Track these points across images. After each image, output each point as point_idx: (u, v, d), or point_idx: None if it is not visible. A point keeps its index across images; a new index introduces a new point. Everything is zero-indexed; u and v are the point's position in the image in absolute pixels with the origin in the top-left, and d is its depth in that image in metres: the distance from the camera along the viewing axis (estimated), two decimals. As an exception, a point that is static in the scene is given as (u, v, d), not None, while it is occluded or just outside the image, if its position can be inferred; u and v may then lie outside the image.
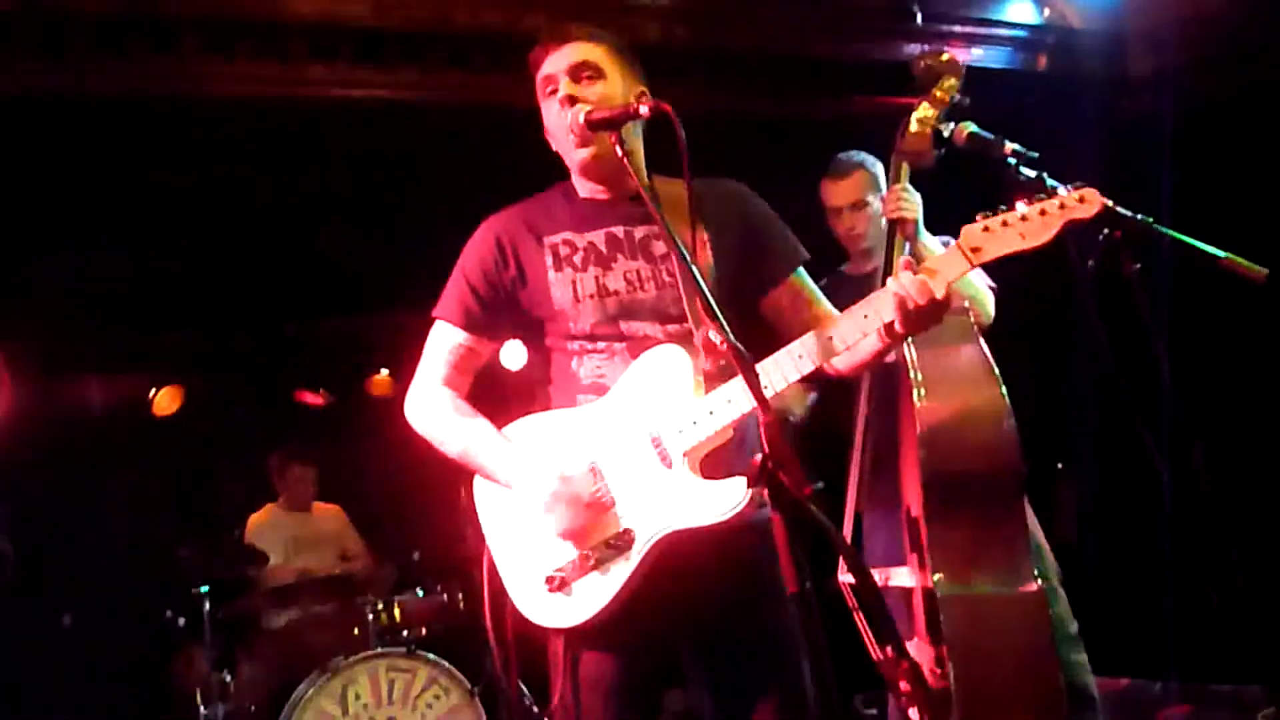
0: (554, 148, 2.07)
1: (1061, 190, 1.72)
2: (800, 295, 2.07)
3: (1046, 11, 4.76)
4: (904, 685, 2.46)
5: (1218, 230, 2.29)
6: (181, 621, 4.36)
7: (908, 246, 2.78)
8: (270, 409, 6.14)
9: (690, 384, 1.89)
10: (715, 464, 1.87)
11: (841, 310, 1.91)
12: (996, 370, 2.60)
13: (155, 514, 5.31)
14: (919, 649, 2.55)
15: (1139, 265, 2.12)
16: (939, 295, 1.74)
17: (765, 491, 1.46)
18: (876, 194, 3.15)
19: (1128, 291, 2.15)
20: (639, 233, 2.02)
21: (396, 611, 4.37)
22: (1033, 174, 2.27)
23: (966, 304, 2.74)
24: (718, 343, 1.60)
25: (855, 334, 1.81)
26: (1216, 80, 4.52)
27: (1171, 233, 2.12)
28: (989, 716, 2.33)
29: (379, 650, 4.14)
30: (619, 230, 2.03)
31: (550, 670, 1.99)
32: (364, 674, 4.07)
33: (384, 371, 6.22)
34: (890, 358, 2.42)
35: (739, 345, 1.59)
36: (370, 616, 4.29)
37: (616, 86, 1.98)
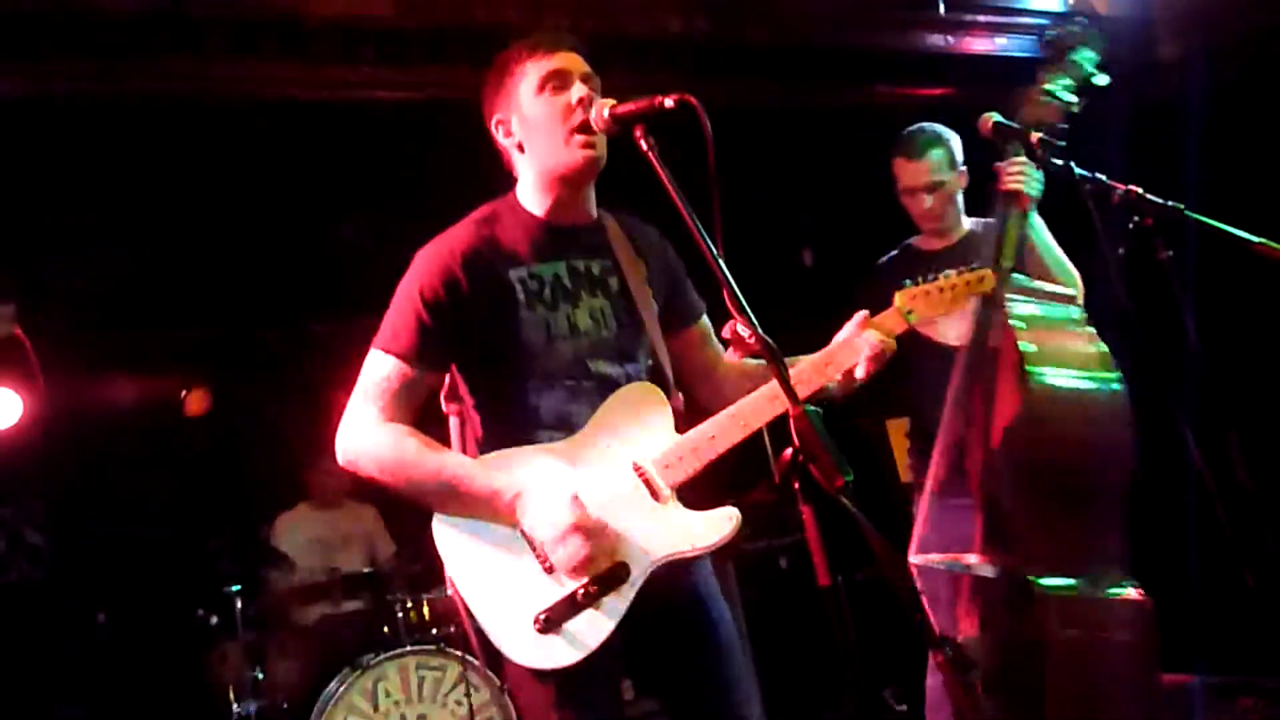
0: (517, 146, 2.00)
1: (956, 272, 2.01)
2: (708, 337, 2.18)
3: (1071, -1, 4.72)
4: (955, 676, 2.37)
5: (1247, 214, 2.26)
6: (214, 619, 4.39)
7: (1028, 220, 2.62)
8: (299, 407, 6.19)
9: (669, 420, 1.93)
10: (690, 488, 1.92)
11: (899, 281, 2.05)
12: (1114, 363, 2.41)
13: (187, 512, 5.35)
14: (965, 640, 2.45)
15: (1170, 252, 2.10)
16: (883, 349, 1.97)
17: (797, 486, 1.46)
18: (954, 171, 3.06)
19: (1160, 278, 2.13)
20: (595, 267, 1.99)
21: (426, 609, 4.39)
22: (1060, 162, 2.25)
23: (1075, 294, 2.67)
24: (745, 336, 1.60)
25: (817, 380, 1.97)
26: (1243, 64, 4.46)
27: (1202, 219, 2.09)
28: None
29: (409, 647, 4.17)
30: (579, 264, 1.98)
31: (529, 709, 1.93)
32: (394, 670, 4.09)
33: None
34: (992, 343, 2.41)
35: (767, 338, 1.58)
36: (400, 613, 4.31)
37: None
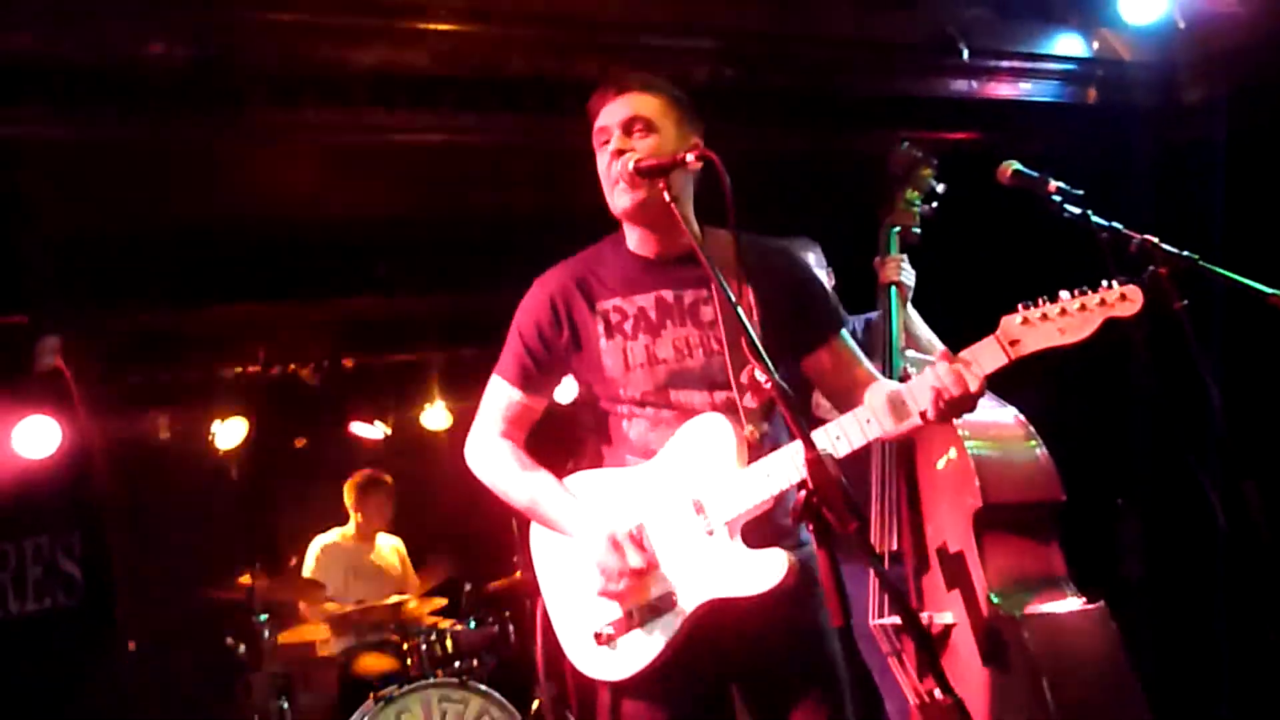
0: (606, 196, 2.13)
1: (1105, 284, 1.71)
2: (841, 357, 2.11)
3: (1095, 44, 4.75)
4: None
5: (1271, 258, 2.28)
6: (242, 649, 4.45)
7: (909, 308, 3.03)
8: (328, 441, 6.29)
9: (733, 454, 1.95)
10: (755, 531, 1.94)
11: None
12: (1031, 430, 2.77)
13: (218, 543, 5.44)
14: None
15: (1186, 302, 2.12)
16: (973, 388, 1.77)
17: (809, 527, 1.49)
18: (821, 267, 3.36)
19: (1177, 328, 2.15)
20: (688, 297, 2.07)
21: (449, 642, 4.43)
22: (1077, 211, 2.28)
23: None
24: (762, 381, 1.64)
25: (889, 419, 1.85)
26: (1268, 108, 4.47)
27: (1217, 269, 2.12)
28: None
29: (432, 680, 4.20)
30: (669, 294, 2.08)
31: (598, 716, 2.06)
32: (417, 704, 4.13)
33: (438, 404, 6.34)
34: None
35: (783, 384, 1.63)
36: (423, 647, 4.36)
37: (669, 141, 2.03)
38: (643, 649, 1.95)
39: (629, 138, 2.03)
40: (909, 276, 3.03)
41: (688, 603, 1.93)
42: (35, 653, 5.20)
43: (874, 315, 3.43)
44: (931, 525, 2.67)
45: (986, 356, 1.78)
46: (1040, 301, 1.74)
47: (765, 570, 1.88)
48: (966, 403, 1.79)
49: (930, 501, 2.70)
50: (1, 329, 4.68)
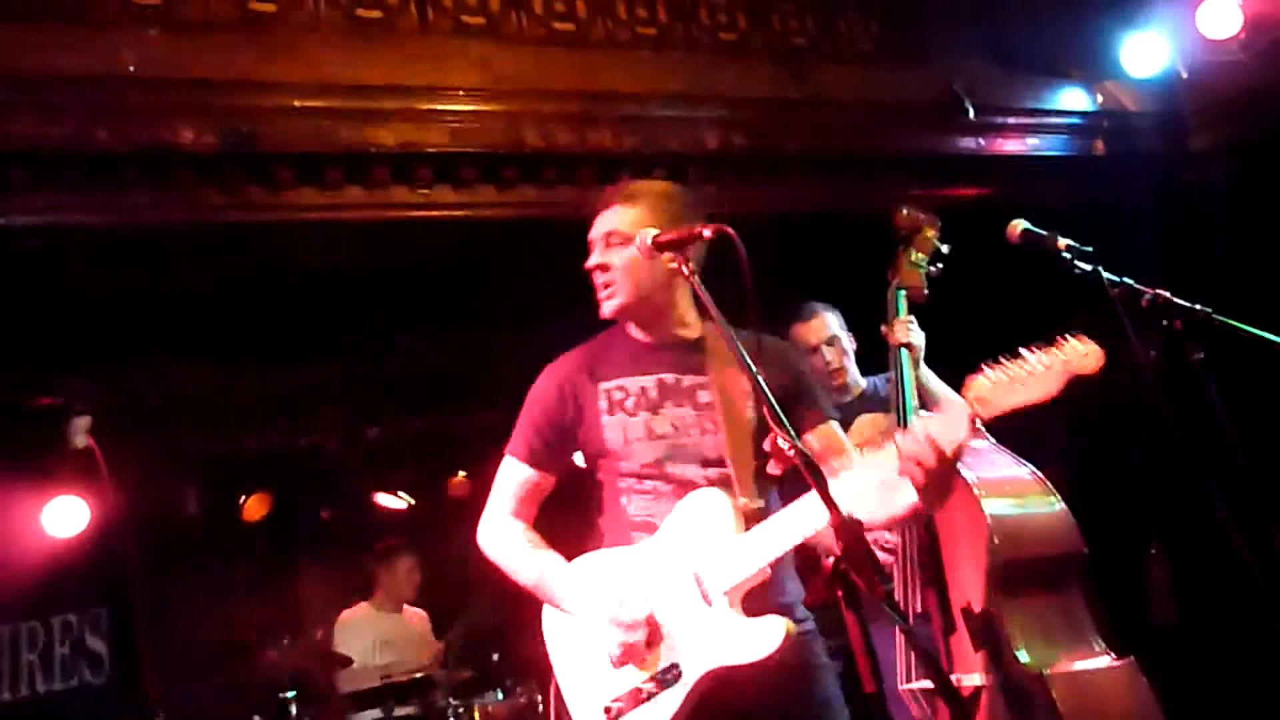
0: None
1: (1065, 340, 1.72)
2: (832, 442, 2.21)
3: (1100, 97, 4.83)
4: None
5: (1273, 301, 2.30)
6: (271, 727, 4.43)
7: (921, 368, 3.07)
8: (352, 512, 6.31)
9: (730, 525, 2.02)
10: (754, 601, 2.00)
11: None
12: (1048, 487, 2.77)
13: (243, 616, 5.45)
14: None
15: (1202, 354, 2.14)
16: (948, 453, 1.79)
17: (839, 592, 1.51)
18: (845, 330, 3.50)
19: (1194, 379, 2.17)
20: (687, 381, 2.21)
21: (477, 714, 4.40)
22: (1088, 267, 2.32)
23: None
24: (785, 448, 1.67)
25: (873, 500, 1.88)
26: (1275, 155, 4.51)
27: (1231, 322, 2.14)
28: None
29: (461, 751, 4.17)
30: (669, 377, 2.22)
31: None
32: (447, 775, 4.08)
33: (462, 474, 6.36)
34: None
35: (806, 451, 1.65)
36: (450, 718, 4.32)
37: (633, 250, 2.14)
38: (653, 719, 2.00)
39: (606, 250, 2.22)
40: (918, 337, 3.06)
41: (691, 674, 1.98)
42: (63, 732, 5.19)
43: (879, 378, 3.48)
44: (954, 584, 2.67)
45: (955, 420, 1.80)
46: (1005, 361, 1.75)
47: (763, 636, 1.93)
48: (944, 471, 1.81)
49: (951, 561, 2.70)
50: (33, 410, 4.77)
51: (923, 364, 3.11)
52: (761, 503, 2.08)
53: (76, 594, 5.44)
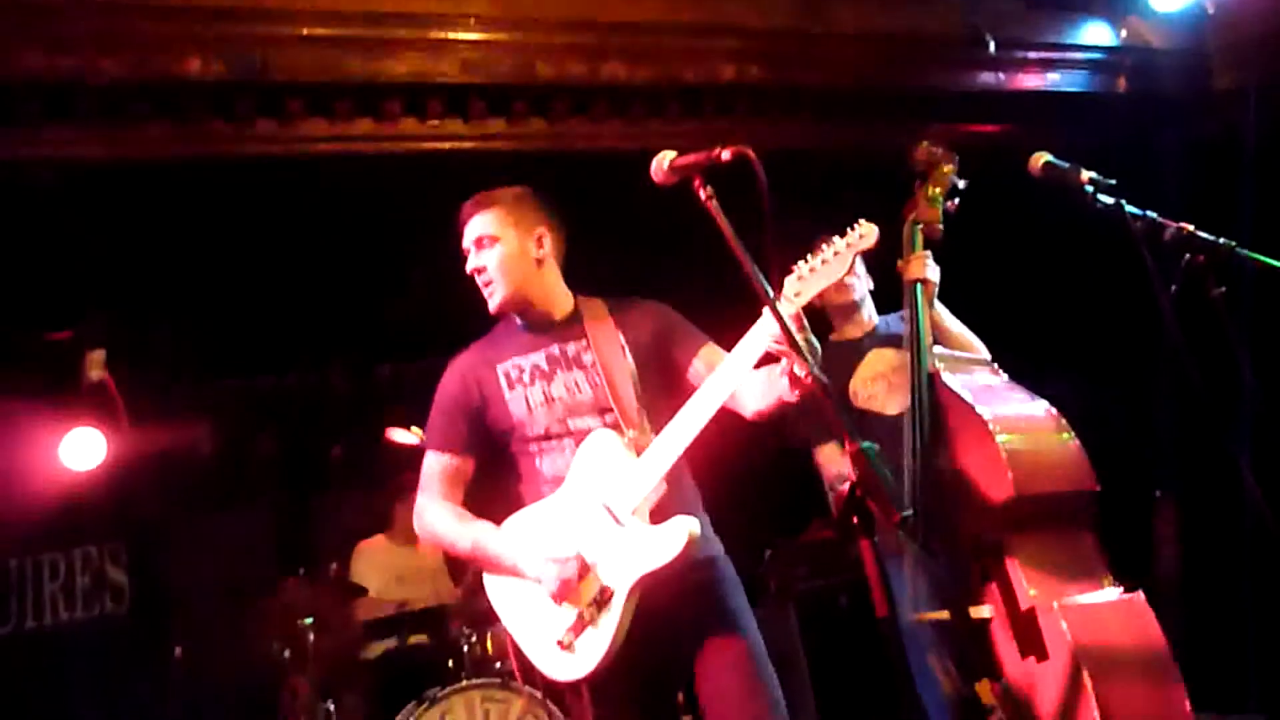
0: None
1: (848, 230, 2.08)
2: (716, 357, 2.41)
3: (1124, 32, 4.73)
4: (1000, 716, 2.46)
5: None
6: (287, 653, 4.52)
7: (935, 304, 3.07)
8: (365, 448, 6.36)
9: (623, 455, 2.31)
10: (662, 512, 2.25)
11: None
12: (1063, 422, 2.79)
13: (260, 550, 5.53)
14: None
15: (1223, 289, 2.11)
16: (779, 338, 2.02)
17: (857, 520, 1.52)
18: (860, 264, 3.43)
19: (1213, 316, 2.15)
20: (571, 348, 2.49)
21: (490, 643, 4.47)
22: (1110, 201, 2.28)
23: (988, 357, 3.01)
24: (801, 375, 1.68)
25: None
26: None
27: (1255, 255, 2.11)
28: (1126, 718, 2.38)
29: (474, 681, 4.24)
30: (555, 349, 2.49)
31: (582, 714, 2.34)
32: (460, 704, 4.16)
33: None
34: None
35: (822, 377, 1.66)
36: (465, 648, 4.39)
37: (512, 243, 2.48)
38: (598, 642, 2.24)
39: (479, 252, 2.49)
40: (934, 273, 3.04)
41: (621, 588, 2.22)
42: (84, 660, 5.31)
43: (905, 311, 3.45)
44: (965, 517, 2.68)
45: (783, 310, 2.00)
46: (806, 259, 2.13)
47: (671, 536, 2.18)
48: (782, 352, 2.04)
49: (963, 493, 2.70)
50: (48, 345, 4.80)
51: (937, 300, 3.09)
52: (647, 432, 2.34)
53: (96, 527, 5.53)
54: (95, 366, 4.81)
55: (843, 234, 2.13)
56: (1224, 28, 4.60)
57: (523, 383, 2.46)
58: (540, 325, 2.53)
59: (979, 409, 2.67)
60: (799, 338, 1.79)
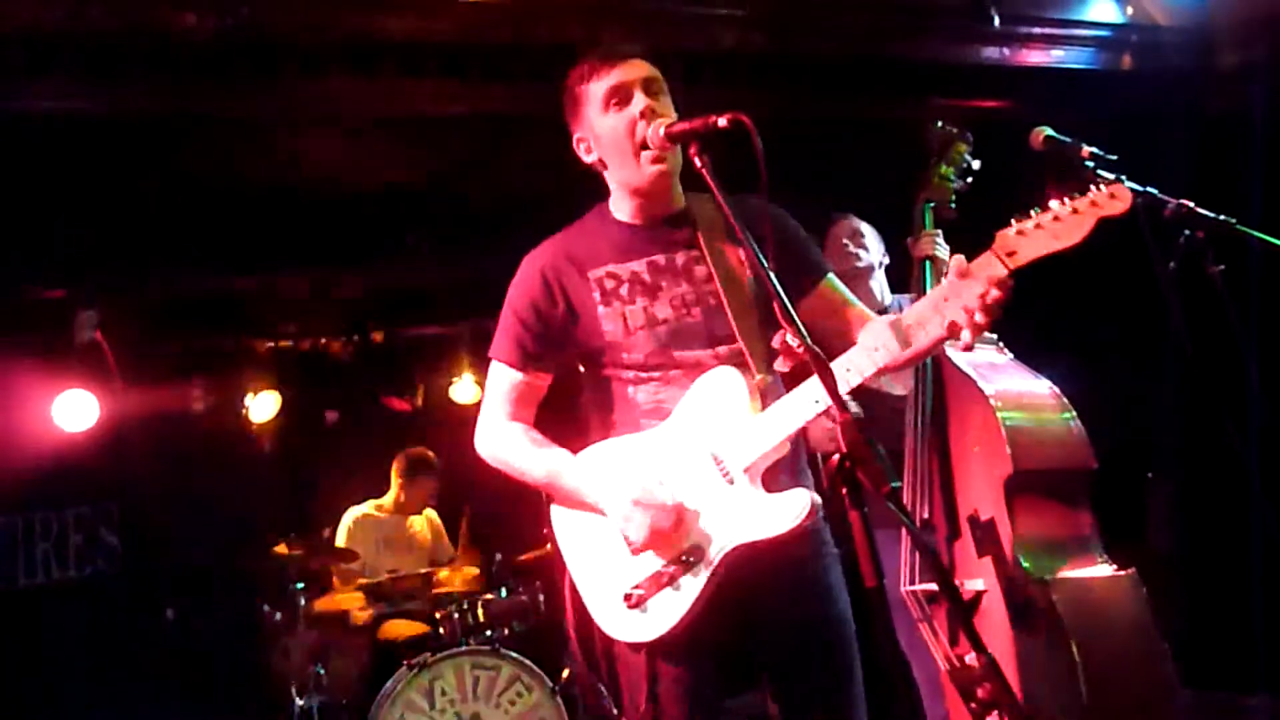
0: (598, 162, 2.10)
1: (1094, 188, 1.71)
2: (834, 299, 2.13)
3: (1129, 10, 4.67)
4: (982, 691, 2.48)
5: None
6: (278, 616, 4.53)
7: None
8: (359, 413, 6.36)
9: (746, 403, 1.97)
10: (775, 477, 1.97)
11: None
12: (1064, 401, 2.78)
13: (252, 513, 5.54)
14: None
15: (1222, 266, 2.10)
16: (994, 283, 1.77)
17: (843, 490, 1.50)
18: (878, 241, 3.48)
19: (1212, 293, 2.13)
20: (680, 258, 2.09)
21: (480, 611, 4.49)
22: (1111, 176, 2.25)
23: (995, 336, 2.96)
24: (794, 345, 1.65)
25: (935, 325, 1.83)
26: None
27: (1255, 233, 2.09)
28: (1112, 695, 2.40)
29: (464, 648, 4.27)
30: (660, 258, 2.09)
31: (625, 678, 2.07)
32: (450, 670, 4.19)
33: (467, 378, 6.38)
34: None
35: (815, 348, 1.63)
36: (456, 615, 4.41)
37: (671, 106, 2.05)
38: (673, 605, 1.97)
39: (650, 98, 2.01)
40: (944, 251, 3.03)
41: (716, 552, 1.94)
42: (76, 618, 5.34)
43: (913, 295, 3.45)
44: (963, 493, 2.70)
45: (987, 269, 1.78)
46: (1031, 213, 1.75)
47: (788, 509, 1.91)
48: (998, 300, 1.77)
49: (962, 470, 2.73)
50: (40, 304, 4.77)
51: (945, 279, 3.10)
52: (770, 377, 2.01)
53: (89, 487, 5.54)
54: (87, 327, 4.79)
55: (1083, 191, 1.73)
56: (1230, 5, 4.54)
57: (619, 297, 2.07)
58: (646, 221, 2.12)
59: (982, 385, 2.69)
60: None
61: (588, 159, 2.13)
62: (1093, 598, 2.50)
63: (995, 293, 1.76)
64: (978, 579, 2.61)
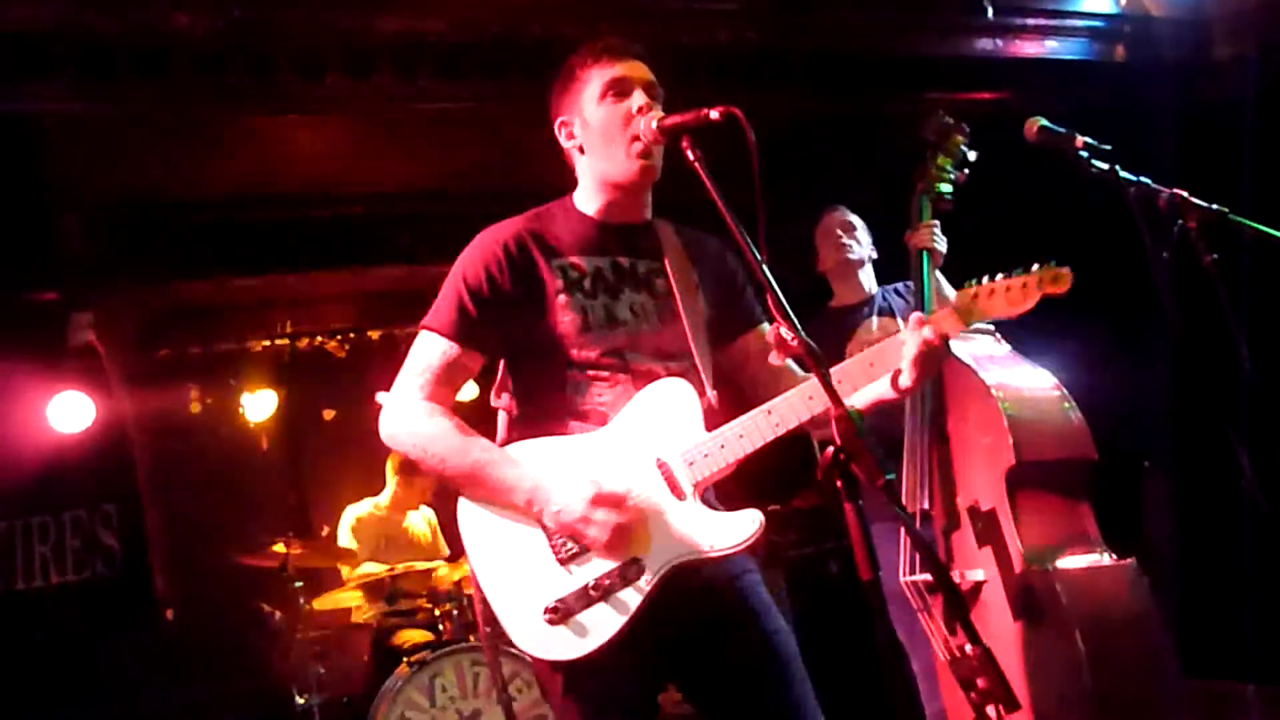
0: (577, 149, 2.05)
1: (1038, 266, 1.86)
2: (765, 345, 2.00)
3: (1122, 1, 4.67)
4: (981, 682, 2.48)
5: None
6: (278, 615, 4.54)
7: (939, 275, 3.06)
8: (356, 412, 6.36)
9: (698, 417, 1.92)
10: (714, 492, 1.94)
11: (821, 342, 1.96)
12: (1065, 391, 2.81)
13: (250, 512, 5.54)
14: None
15: (1215, 256, 2.10)
16: (932, 341, 1.85)
17: (840, 484, 1.50)
18: (866, 235, 3.52)
19: (1206, 282, 2.14)
20: (642, 266, 2.04)
21: (479, 607, 4.49)
22: (1105, 166, 2.26)
23: (992, 329, 3.00)
24: (788, 339, 1.64)
25: (862, 378, 1.88)
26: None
27: (1247, 222, 2.10)
28: (1114, 684, 2.41)
29: (464, 645, 4.27)
30: (624, 260, 2.03)
31: (548, 697, 1.94)
32: (450, 668, 4.19)
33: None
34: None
35: (810, 342, 1.63)
36: (455, 613, 4.42)
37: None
38: (607, 620, 1.83)
39: (651, 100, 1.99)
40: (941, 243, 3.05)
41: (658, 567, 1.84)
42: (75, 622, 5.33)
43: (902, 284, 3.47)
44: (963, 484, 2.70)
45: (946, 324, 1.88)
46: (987, 279, 1.89)
47: (738, 528, 1.85)
48: (936, 360, 1.87)
49: (962, 461, 2.74)
50: (35, 306, 4.76)
51: (939, 272, 3.11)
52: (714, 396, 1.98)
53: (86, 490, 5.51)
54: (81, 329, 4.79)
55: (1031, 266, 1.84)
56: (1221, -3, 4.55)
57: (582, 289, 1.97)
58: (612, 223, 2.04)
59: (983, 376, 2.71)
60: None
61: (567, 144, 2.08)
62: (1096, 586, 2.53)
63: (918, 361, 1.85)
64: (978, 569, 2.62)
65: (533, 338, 1.98)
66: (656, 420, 1.92)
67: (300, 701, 4.31)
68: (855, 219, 3.55)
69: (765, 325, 2.09)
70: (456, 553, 5.21)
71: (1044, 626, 2.46)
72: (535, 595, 1.85)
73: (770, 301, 1.67)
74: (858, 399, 1.91)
